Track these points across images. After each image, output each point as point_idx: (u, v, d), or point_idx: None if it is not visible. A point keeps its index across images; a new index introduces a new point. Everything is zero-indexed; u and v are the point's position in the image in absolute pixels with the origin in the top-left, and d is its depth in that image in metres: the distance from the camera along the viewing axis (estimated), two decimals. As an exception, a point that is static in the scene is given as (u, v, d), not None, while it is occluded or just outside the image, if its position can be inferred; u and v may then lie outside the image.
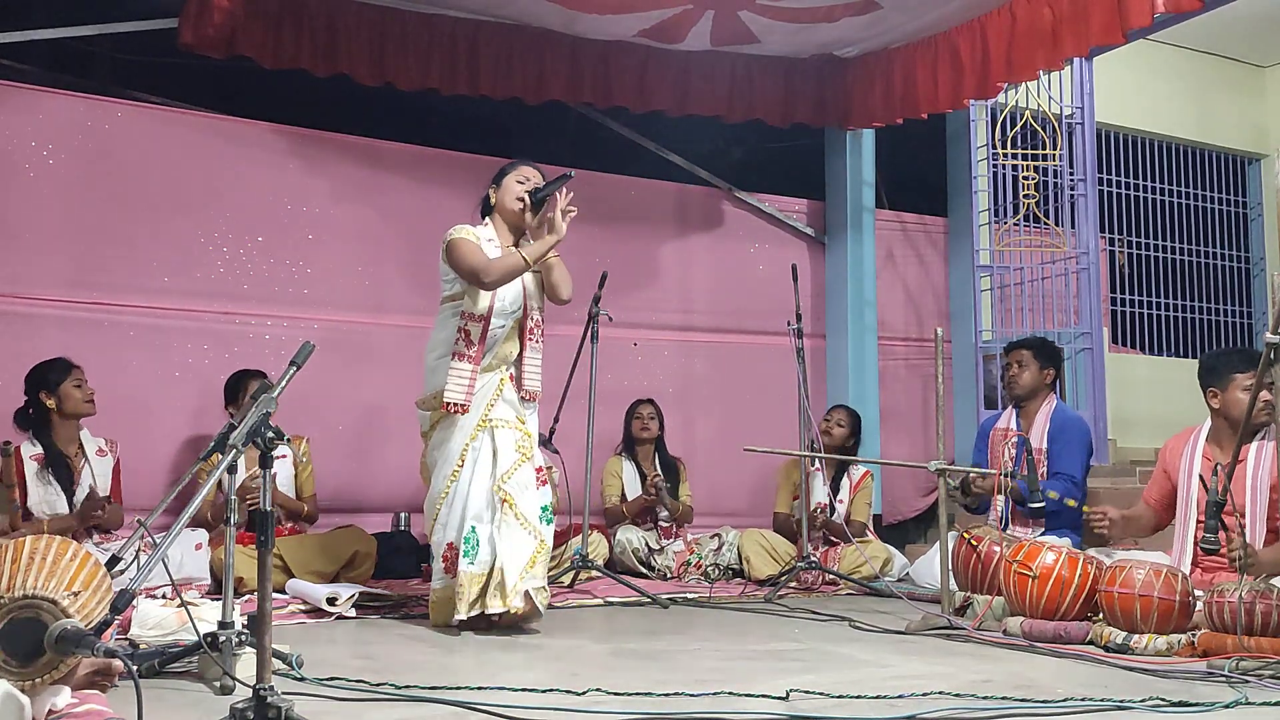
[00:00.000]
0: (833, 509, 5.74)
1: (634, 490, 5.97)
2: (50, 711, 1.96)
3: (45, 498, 4.44)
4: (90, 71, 6.20)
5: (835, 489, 5.78)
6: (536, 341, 4.03)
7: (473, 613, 3.78)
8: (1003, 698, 2.68)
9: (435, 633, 3.88)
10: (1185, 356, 7.91)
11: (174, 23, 5.28)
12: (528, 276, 4.01)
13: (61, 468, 4.53)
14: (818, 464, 5.69)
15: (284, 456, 5.18)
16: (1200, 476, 3.85)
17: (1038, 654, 3.47)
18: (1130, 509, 4.29)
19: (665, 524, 5.94)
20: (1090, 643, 3.58)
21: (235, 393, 5.08)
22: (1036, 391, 5.10)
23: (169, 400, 5.43)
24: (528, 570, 3.81)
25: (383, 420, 5.92)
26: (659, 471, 5.99)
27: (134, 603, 3.30)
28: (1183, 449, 4.12)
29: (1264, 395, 3.52)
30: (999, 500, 4.79)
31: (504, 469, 3.88)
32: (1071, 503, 4.74)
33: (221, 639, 2.86)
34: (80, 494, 4.53)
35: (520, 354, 4.02)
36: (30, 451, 4.51)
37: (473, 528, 3.86)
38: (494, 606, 3.77)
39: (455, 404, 3.91)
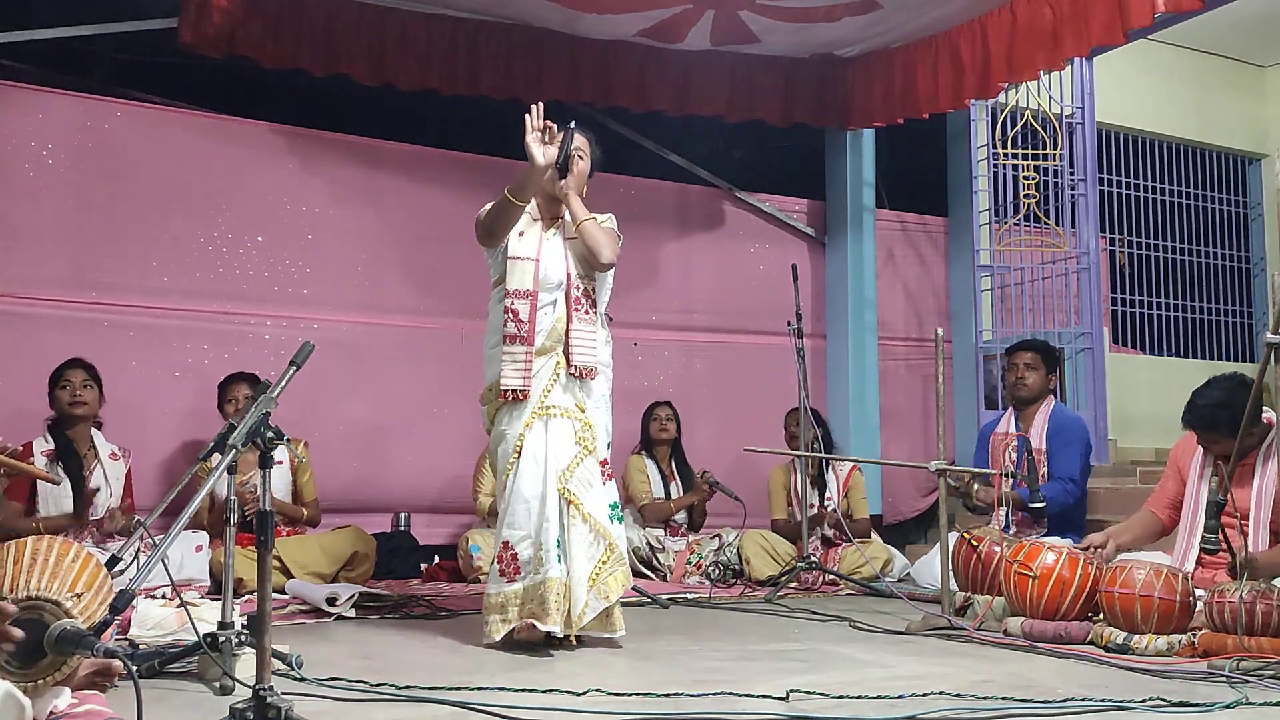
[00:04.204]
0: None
1: (659, 488, 5.99)
2: (51, 712, 1.96)
3: (52, 491, 4.46)
4: (90, 71, 6.20)
5: (820, 488, 5.77)
6: (585, 313, 3.65)
7: (556, 627, 3.37)
8: (1003, 698, 2.68)
9: (435, 633, 3.88)
10: (1185, 356, 7.92)
11: (174, 23, 5.29)
12: (573, 245, 3.70)
13: (71, 460, 4.55)
14: (801, 465, 5.68)
15: (280, 462, 5.11)
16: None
17: (1038, 654, 3.46)
18: (1128, 522, 4.28)
19: (675, 523, 5.95)
20: (1090, 643, 3.57)
21: (222, 398, 5.07)
22: (1041, 395, 5.12)
23: (169, 400, 5.43)
24: (593, 584, 3.44)
25: (382, 420, 5.92)
26: (674, 474, 6.01)
27: (134, 603, 3.30)
28: (1194, 449, 4.13)
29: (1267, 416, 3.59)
30: (1000, 513, 4.80)
31: (563, 465, 3.51)
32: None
33: (221, 639, 2.85)
34: (98, 496, 4.57)
35: (568, 328, 3.64)
36: (42, 447, 4.56)
37: (533, 532, 3.47)
38: (550, 625, 3.36)
39: (513, 390, 3.54)
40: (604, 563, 3.49)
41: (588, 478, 3.54)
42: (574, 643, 3.47)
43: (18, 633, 1.89)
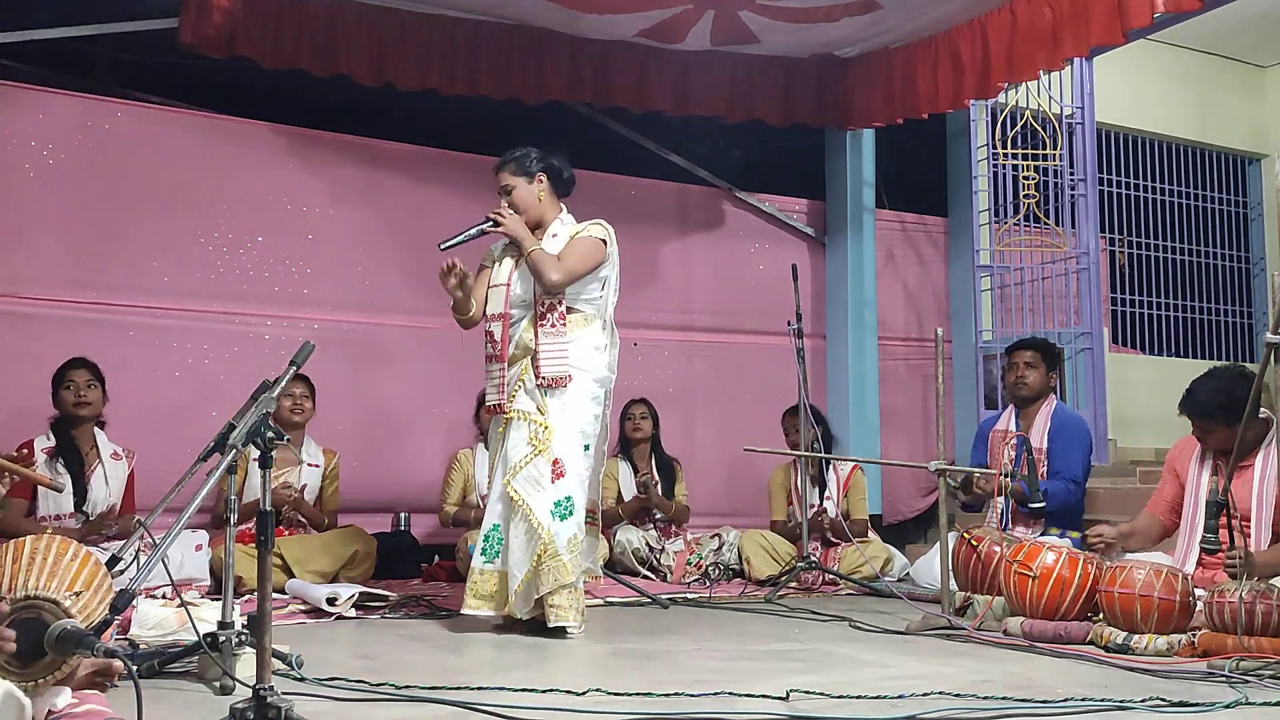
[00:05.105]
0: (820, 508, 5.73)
1: (630, 491, 5.96)
2: (50, 712, 1.96)
3: (53, 493, 4.44)
4: (90, 71, 6.20)
5: (820, 488, 5.76)
6: (550, 327, 3.92)
7: (481, 611, 3.87)
8: (1003, 698, 2.68)
9: (435, 633, 3.89)
10: (1185, 356, 7.91)
11: (174, 23, 5.28)
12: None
13: (72, 458, 4.57)
14: (801, 465, 5.67)
15: (315, 466, 5.23)
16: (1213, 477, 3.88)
17: (1038, 654, 3.46)
18: (1132, 523, 4.29)
19: (663, 524, 5.93)
20: (1090, 643, 3.58)
21: None
22: (1042, 394, 5.11)
23: (169, 400, 5.42)
24: (532, 577, 3.74)
25: (383, 420, 5.92)
26: (654, 471, 5.98)
27: (134, 603, 3.30)
28: (1193, 450, 4.12)
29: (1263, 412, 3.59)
30: (999, 501, 4.79)
31: (513, 464, 3.84)
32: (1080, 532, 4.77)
33: (221, 639, 2.85)
34: (93, 494, 4.58)
35: (535, 340, 3.93)
36: (43, 444, 4.57)
37: (494, 525, 3.91)
38: (466, 608, 3.86)
39: (493, 405, 4.01)
40: (539, 557, 3.74)
41: (535, 476, 3.80)
42: (510, 624, 3.83)
43: (9, 645, 1.89)
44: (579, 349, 3.93)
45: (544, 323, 3.93)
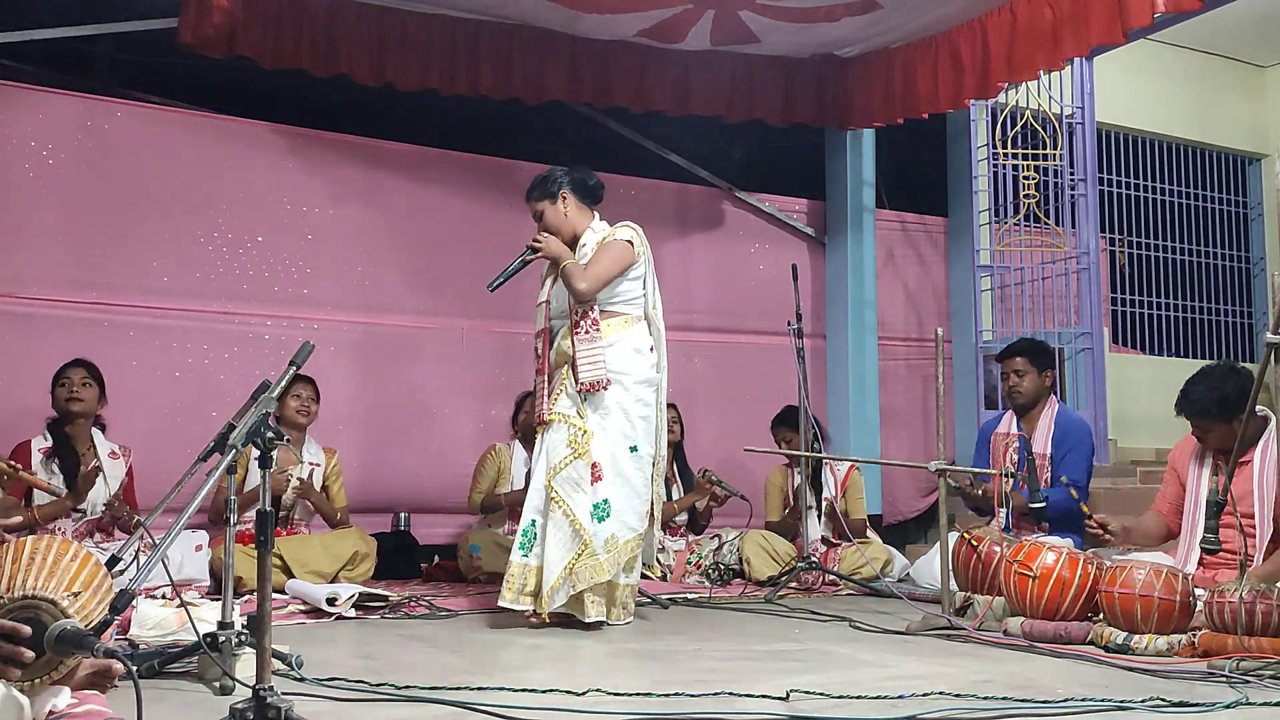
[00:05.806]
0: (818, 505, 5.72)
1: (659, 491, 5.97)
2: (50, 712, 1.96)
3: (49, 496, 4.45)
4: (90, 71, 6.20)
5: (818, 489, 5.75)
6: (584, 334, 4.05)
7: (520, 605, 3.94)
8: (1003, 698, 2.68)
9: (435, 632, 3.89)
10: (1185, 356, 7.91)
11: (174, 23, 5.28)
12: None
13: (68, 457, 4.58)
14: (798, 465, 5.67)
15: (317, 465, 5.22)
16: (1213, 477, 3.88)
17: (1038, 654, 3.46)
18: (1138, 519, 4.29)
19: (676, 523, 5.93)
20: (1090, 643, 3.57)
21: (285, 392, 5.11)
22: (1040, 397, 5.07)
23: (169, 400, 5.43)
24: (567, 574, 3.86)
25: (382, 420, 5.92)
26: (676, 476, 5.99)
27: (134, 603, 3.30)
28: (1193, 450, 4.12)
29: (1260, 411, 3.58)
30: (1001, 511, 4.78)
31: (553, 464, 3.96)
32: (1086, 508, 4.74)
33: (221, 639, 2.85)
34: (91, 494, 4.58)
35: (573, 347, 4.06)
36: (40, 445, 4.58)
37: (532, 520, 4.01)
38: (503, 600, 3.94)
39: (539, 413, 4.15)
40: (578, 557, 3.88)
41: (575, 478, 3.95)
42: (544, 620, 3.88)
43: (29, 654, 1.89)
44: (617, 354, 4.05)
45: (579, 330, 4.05)
